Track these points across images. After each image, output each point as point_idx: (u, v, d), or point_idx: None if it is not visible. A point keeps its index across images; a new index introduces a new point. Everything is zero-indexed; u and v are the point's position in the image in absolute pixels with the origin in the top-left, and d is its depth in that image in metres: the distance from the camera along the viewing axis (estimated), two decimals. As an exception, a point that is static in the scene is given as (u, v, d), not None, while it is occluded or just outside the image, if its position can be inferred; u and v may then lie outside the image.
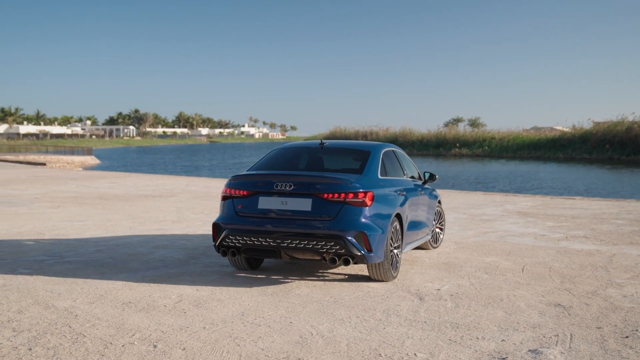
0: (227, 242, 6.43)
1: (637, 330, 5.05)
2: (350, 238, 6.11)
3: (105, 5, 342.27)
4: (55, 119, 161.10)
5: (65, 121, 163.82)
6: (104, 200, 16.08)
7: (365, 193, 6.29)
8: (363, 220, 6.22)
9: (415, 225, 7.71)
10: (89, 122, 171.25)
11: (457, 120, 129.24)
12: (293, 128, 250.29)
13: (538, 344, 4.66)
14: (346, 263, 6.22)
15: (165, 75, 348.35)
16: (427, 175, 8.63)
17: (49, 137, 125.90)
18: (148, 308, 5.43)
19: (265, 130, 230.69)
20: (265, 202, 6.37)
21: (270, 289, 6.29)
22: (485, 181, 34.18)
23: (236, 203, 6.51)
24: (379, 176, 6.88)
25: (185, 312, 5.30)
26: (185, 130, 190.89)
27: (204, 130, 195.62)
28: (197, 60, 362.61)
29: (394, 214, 6.75)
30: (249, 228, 6.35)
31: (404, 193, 7.24)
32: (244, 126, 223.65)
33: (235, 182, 6.58)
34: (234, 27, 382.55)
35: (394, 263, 6.78)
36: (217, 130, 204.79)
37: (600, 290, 6.53)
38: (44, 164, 40.85)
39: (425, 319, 5.27)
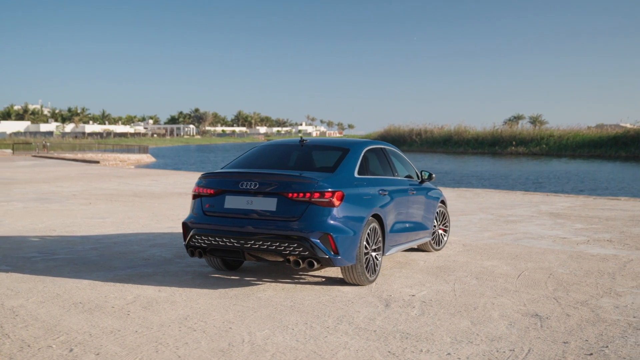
0: (194, 242, 6.25)
1: (606, 347, 4.56)
2: (314, 240, 5.81)
3: (168, 10, 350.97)
4: (120, 119, 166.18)
5: (129, 120, 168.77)
6: (136, 198, 16.27)
7: (333, 193, 5.98)
8: (330, 221, 5.91)
9: (403, 226, 7.33)
10: (151, 121, 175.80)
11: (517, 118, 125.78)
12: (350, 126, 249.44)
13: (486, 359, 4.26)
14: (310, 266, 5.93)
15: (225, 75, 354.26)
16: (425, 174, 8.22)
17: (112, 135, 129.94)
18: (94, 309, 5.30)
19: (322, 128, 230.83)
20: (232, 202, 6.15)
21: (234, 291, 6.07)
22: (538, 180, 32.99)
23: (204, 202, 6.32)
24: (356, 175, 6.54)
25: (128, 314, 5.14)
26: (243, 128, 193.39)
27: (262, 129, 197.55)
28: (257, 60, 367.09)
29: (371, 215, 6.41)
30: (214, 228, 6.14)
31: (386, 193, 6.87)
32: (301, 125, 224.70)
33: (204, 181, 6.38)
34: (292, 26, 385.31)
35: (370, 267, 6.44)
36: (274, 129, 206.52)
37: (593, 299, 6.01)
38: (97, 162, 42.00)
39: (377, 328, 4.93)
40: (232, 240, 6.01)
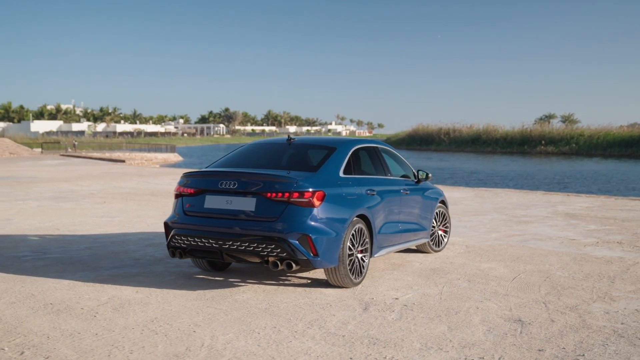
0: (174, 243, 6.15)
1: (583, 355, 4.32)
2: (292, 241, 5.66)
3: (199, 10, 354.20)
4: (151, 118, 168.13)
5: (160, 120, 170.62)
6: (152, 197, 16.31)
7: (313, 192, 5.81)
8: (309, 222, 5.75)
9: (395, 227, 7.13)
10: (181, 120, 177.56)
11: (549, 117, 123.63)
12: (380, 126, 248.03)
13: (451, 367, 4.07)
14: (289, 267, 5.78)
15: (255, 75, 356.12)
16: (422, 174, 8.00)
17: (143, 135, 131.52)
18: (63, 310, 5.23)
19: (352, 127, 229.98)
20: (211, 201, 6.04)
21: (213, 292, 5.95)
22: (564, 181, 32.29)
23: (185, 202, 6.21)
24: (341, 174, 6.37)
25: (95, 316, 5.06)
26: (273, 128, 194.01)
27: (292, 128, 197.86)
28: (287, 59, 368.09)
29: (356, 215, 6.23)
30: (193, 228, 6.04)
31: (375, 192, 6.68)
32: (330, 124, 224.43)
33: (185, 180, 6.28)
34: (323, 25, 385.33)
35: (355, 268, 6.26)
36: (304, 128, 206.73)
37: (584, 304, 5.74)
38: (123, 161, 42.42)
39: (347, 333, 4.76)
40: (210, 240, 5.89)
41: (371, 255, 6.63)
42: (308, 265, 5.77)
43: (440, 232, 8.56)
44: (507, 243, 9.29)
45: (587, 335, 4.78)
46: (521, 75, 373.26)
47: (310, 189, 5.80)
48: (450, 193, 18.37)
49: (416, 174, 8.02)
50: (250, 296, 5.83)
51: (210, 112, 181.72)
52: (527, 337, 4.74)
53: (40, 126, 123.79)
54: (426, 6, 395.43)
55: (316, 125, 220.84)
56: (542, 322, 5.17)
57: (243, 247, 5.77)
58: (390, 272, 7.11)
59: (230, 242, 5.79)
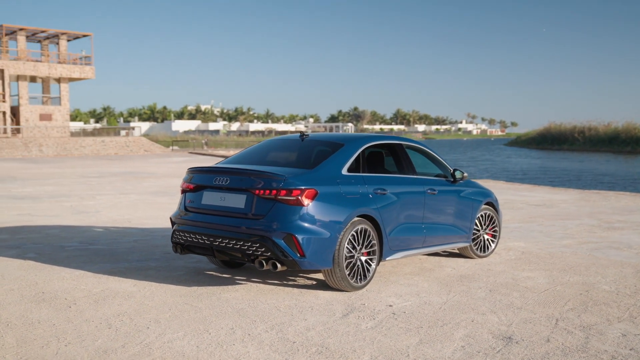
0: (175, 238, 6.15)
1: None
2: (277, 240, 5.45)
3: (327, 12, 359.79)
4: (282, 117, 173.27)
5: (291, 119, 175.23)
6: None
7: (302, 191, 5.55)
8: (296, 221, 5.50)
9: (416, 229, 6.66)
10: (311, 119, 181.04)
11: None
12: (514, 124, 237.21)
13: (381, 385, 3.68)
14: (274, 267, 5.57)
15: (384, 74, 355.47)
16: (458, 173, 7.42)
17: (274, 134, 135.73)
18: (47, 300, 5.39)
19: (483, 126, 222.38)
20: (208, 198, 5.97)
21: (205, 289, 5.88)
22: None
23: (187, 198, 6.20)
24: (344, 172, 6.04)
25: (69, 307, 5.16)
26: (401, 127, 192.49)
27: (421, 127, 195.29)
28: (416, 58, 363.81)
29: (357, 216, 5.89)
30: (190, 224, 6.00)
31: (386, 192, 6.28)
32: (461, 122, 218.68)
33: (188, 176, 6.27)
34: (452, 23, 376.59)
35: (356, 272, 5.92)
36: (433, 127, 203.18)
37: (603, 324, 5.02)
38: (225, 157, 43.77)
39: (303, 339, 4.48)
40: (203, 237, 5.83)
41: (381, 258, 6.24)
42: (294, 266, 5.52)
43: (486, 237, 7.92)
44: (572, 251, 8.44)
45: (572, 360, 4.15)
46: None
47: (300, 187, 5.55)
48: (551, 195, 17.16)
49: (453, 173, 7.46)
50: (237, 295, 5.69)
51: (340, 111, 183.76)
52: (500, 357, 4.20)
53: (180, 125, 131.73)
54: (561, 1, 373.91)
55: (446, 124, 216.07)
56: (535, 341, 4.57)
57: (231, 245, 5.64)
58: (411, 276, 6.66)
59: (220, 239, 5.69)
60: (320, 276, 6.55)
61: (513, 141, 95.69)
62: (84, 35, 52.17)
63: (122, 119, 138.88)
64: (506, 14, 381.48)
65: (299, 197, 5.52)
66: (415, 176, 6.87)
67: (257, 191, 5.61)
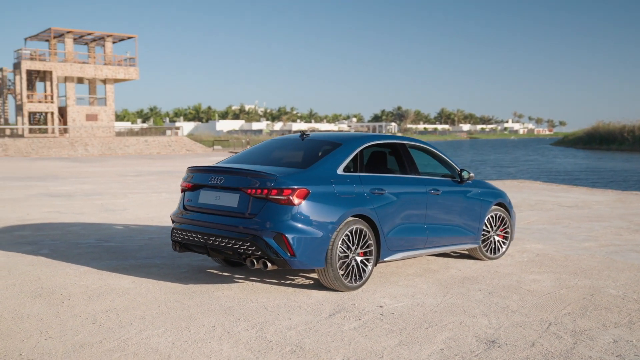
0: (174, 236, 6.24)
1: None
2: (267, 239, 5.46)
3: (368, 12, 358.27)
4: (325, 117, 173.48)
5: (334, 119, 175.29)
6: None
7: (294, 190, 5.55)
8: (287, 220, 5.50)
9: (417, 230, 6.58)
10: (354, 119, 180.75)
11: None
12: (562, 123, 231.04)
13: (345, 386, 3.65)
14: (264, 266, 5.59)
15: (428, 73, 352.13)
16: (465, 174, 7.30)
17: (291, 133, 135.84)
18: (43, 295, 5.54)
19: (530, 125, 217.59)
20: (204, 197, 6.04)
21: (200, 287, 5.93)
22: None
23: (186, 196, 6.28)
24: (340, 172, 6.01)
25: (62, 302, 5.28)
26: (446, 126, 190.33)
27: (465, 127, 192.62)
28: (460, 56, 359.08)
29: (351, 215, 5.86)
30: (187, 222, 6.08)
31: (384, 192, 6.22)
32: (507, 122, 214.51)
33: (188, 175, 6.34)
34: (495, 21, 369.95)
35: (351, 272, 5.88)
36: (478, 127, 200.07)
37: (597, 330, 4.86)
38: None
39: (280, 339, 4.48)
40: (199, 235, 5.90)
41: (379, 258, 6.19)
42: (284, 266, 5.53)
43: (497, 238, 7.76)
44: (590, 253, 8.20)
45: (549, 366, 4.04)
46: None
47: (291, 187, 5.55)
48: (587, 196, 16.71)
49: (460, 173, 7.33)
50: (230, 293, 5.73)
51: (383, 111, 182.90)
52: (476, 361, 4.12)
53: (224, 125, 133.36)
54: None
55: (491, 124, 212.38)
56: (518, 345, 4.46)
57: (224, 244, 5.69)
58: (412, 277, 6.59)
59: (214, 238, 5.75)
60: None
61: (559, 141, 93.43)
62: (129, 37, 53.37)
63: (167, 119, 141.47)
64: (554, 12, 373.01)
65: (290, 197, 5.53)
66: (418, 176, 6.79)
67: (249, 190, 5.64)
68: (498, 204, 7.78)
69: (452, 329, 4.82)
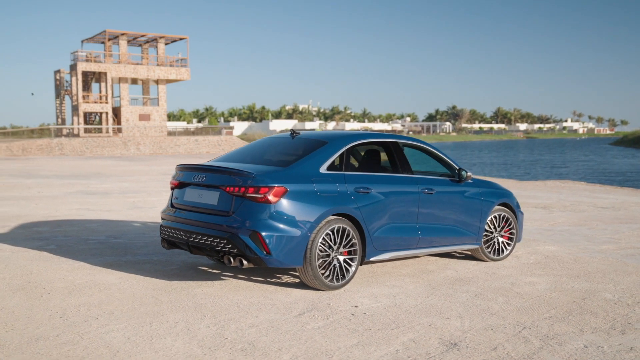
0: (162, 234, 6.33)
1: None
2: (243, 237, 5.47)
3: (418, 14, 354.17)
4: (379, 116, 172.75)
5: (388, 118, 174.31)
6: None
7: (270, 188, 5.54)
8: (263, 218, 5.49)
9: (408, 229, 6.47)
10: (408, 119, 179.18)
11: None
12: (624, 122, 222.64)
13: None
14: (240, 264, 5.60)
15: (484, 72, 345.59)
16: (464, 173, 7.12)
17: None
18: (26, 288, 5.70)
19: (590, 125, 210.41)
20: (189, 194, 6.10)
21: (182, 284, 5.99)
22: None
23: (174, 194, 6.37)
24: (322, 170, 5.96)
25: (41, 297, 5.42)
26: (502, 125, 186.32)
27: (522, 126, 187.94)
28: (517, 55, 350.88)
29: (332, 214, 5.80)
30: (172, 219, 6.16)
31: (370, 190, 6.14)
32: (566, 121, 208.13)
33: (176, 173, 6.42)
34: (554, 19, 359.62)
35: (333, 271, 5.83)
36: (536, 126, 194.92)
37: (571, 335, 4.67)
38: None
39: (236, 337, 4.47)
40: (182, 232, 5.96)
41: (365, 258, 6.12)
42: (260, 264, 5.53)
43: (501, 239, 7.54)
44: (604, 256, 7.89)
45: (500, 371, 3.90)
46: None
47: (268, 185, 5.55)
48: (628, 198, 16.09)
49: (459, 172, 7.16)
50: (209, 290, 5.76)
51: (437, 110, 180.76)
52: (427, 364, 4.01)
53: (277, 125, 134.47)
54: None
55: (549, 123, 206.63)
56: (479, 349, 4.32)
57: (203, 241, 5.74)
58: (403, 278, 6.48)
59: (195, 235, 5.80)
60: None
61: (619, 140, 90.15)
62: (181, 39, 54.47)
63: (222, 119, 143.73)
64: (616, 9, 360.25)
65: (267, 195, 5.52)
66: (410, 175, 6.67)
67: (228, 188, 5.67)
68: (502, 204, 7.57)
69: (418, 330, 4.72)
